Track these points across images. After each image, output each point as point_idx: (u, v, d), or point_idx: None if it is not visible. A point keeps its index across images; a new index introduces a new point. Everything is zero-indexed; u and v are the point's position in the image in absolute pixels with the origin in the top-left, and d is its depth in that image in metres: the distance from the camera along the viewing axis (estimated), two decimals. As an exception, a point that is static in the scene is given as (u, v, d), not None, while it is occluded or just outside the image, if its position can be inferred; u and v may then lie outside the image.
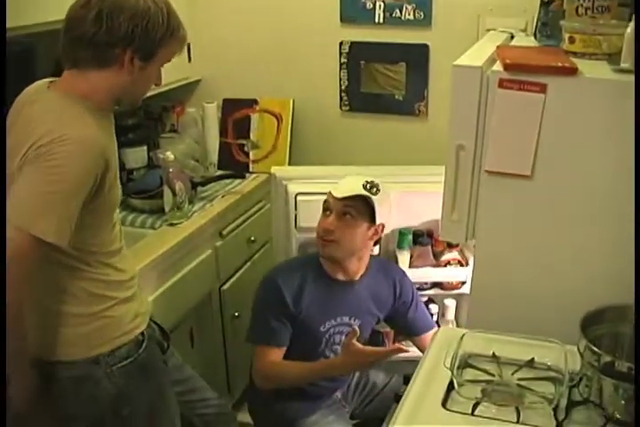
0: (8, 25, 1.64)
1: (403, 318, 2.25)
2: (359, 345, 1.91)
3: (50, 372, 1.58)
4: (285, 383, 2.09)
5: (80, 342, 1.58)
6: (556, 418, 1.39)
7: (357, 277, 2.15)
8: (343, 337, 2.13)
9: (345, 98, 2.81)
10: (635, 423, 1.28)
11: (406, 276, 2.28)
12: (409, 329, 2.29)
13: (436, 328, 2.26)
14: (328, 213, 2.06)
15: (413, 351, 2.20)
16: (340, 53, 2.75)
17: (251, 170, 2.82)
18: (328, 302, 2.10)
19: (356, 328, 1.95)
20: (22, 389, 1.51)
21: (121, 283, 1.64)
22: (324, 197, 2.09)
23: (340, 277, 2.13)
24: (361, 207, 2.03)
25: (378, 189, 2.05)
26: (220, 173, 2.76)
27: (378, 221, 2.06)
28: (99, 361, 1.59)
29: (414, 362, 1.64)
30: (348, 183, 2.07)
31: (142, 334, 1.68)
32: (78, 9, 1.46)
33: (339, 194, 2.04)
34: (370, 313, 2.19)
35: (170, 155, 2.32)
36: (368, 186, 2.04)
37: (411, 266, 2.39)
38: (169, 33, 1.51)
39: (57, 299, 1.55)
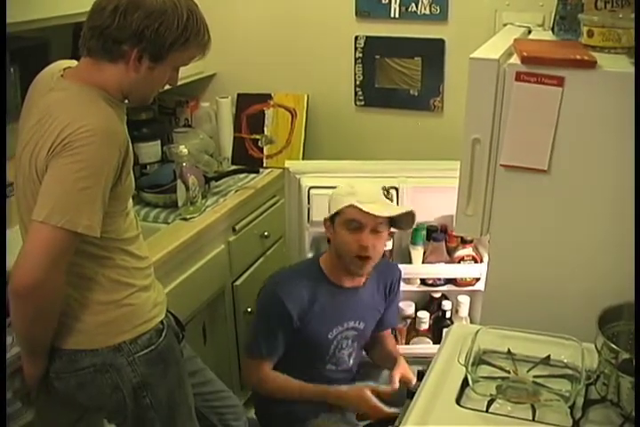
0: (20, 19, 1.64)
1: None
2: (369, 395, 1.95)
3: (72, 360, 1.59)
4: (278, 396, 2.08)
5: (102, 329, 1.59)
6: (573, 416, 1.37)
7: (363, 281, 2.13)
8: (349, 342, 2.13)
9: (360, 93, 2.79)
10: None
11: (401, 276, 2.27)
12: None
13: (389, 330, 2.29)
14: (358, 228, 1.96)
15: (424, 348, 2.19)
16: (355, 48, 2.73)
17: (264, 165, 2.81)
18: (335, 309, 2.08)
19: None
20: (35, 369, 1.58)
21: (140, 270, 1.65)
22: None
23: (348, 284, 2.10)
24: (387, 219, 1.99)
25: (390, 193, 2.01)
26: (233, 167, 2.75)
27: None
28: (121, 349, 1.60)
29: (428, 358, 1.63)
30: (374, 195, 1.96)
31: (162, 322, 1.69)
32: None
33: (379, 212, 1.92)
34: (374, 313, 2.19)
35: (183, 149, 2.32)
36: (386, 193, 1.99)
37: (424, 262, 2.38)
38: (183, 38, 1.49)
39: (79, 286, 1.56)
